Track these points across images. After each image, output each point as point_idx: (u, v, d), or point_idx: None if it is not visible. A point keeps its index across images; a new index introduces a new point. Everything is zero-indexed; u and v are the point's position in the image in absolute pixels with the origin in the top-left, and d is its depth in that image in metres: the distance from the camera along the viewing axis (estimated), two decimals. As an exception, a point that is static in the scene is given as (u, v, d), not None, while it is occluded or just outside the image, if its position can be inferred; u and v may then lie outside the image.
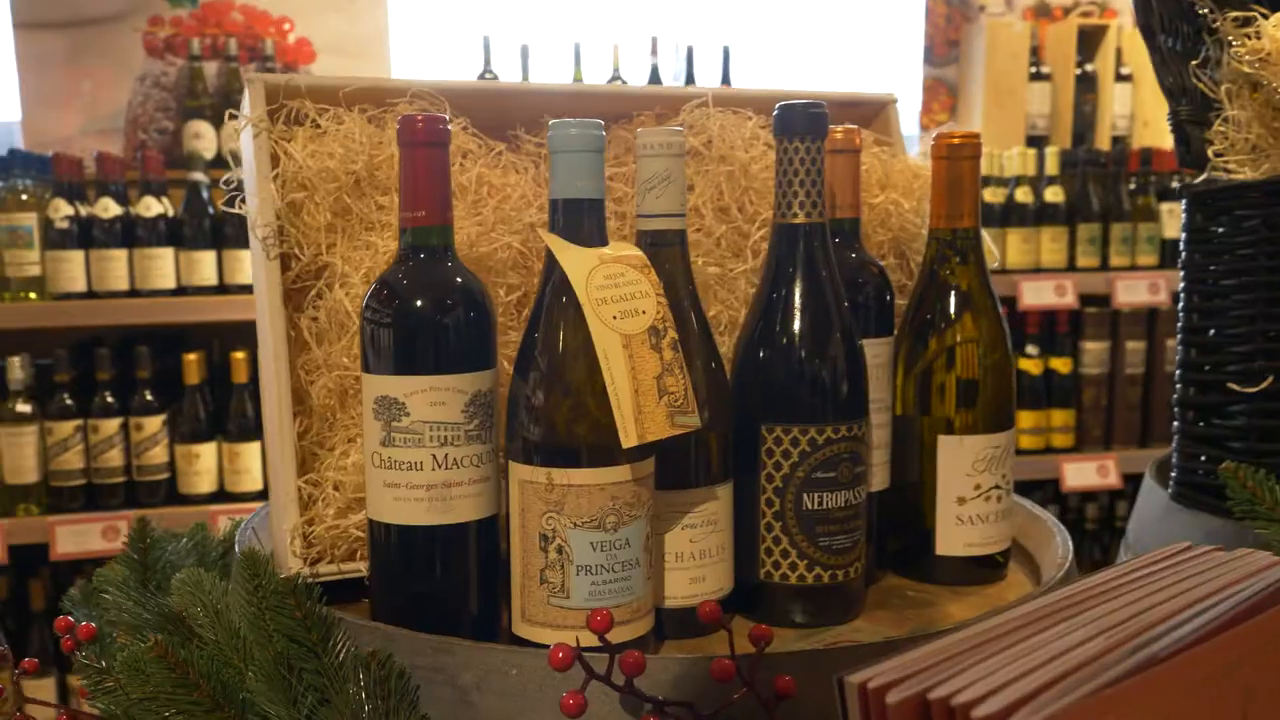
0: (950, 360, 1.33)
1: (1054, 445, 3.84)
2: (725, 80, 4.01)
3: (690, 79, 3.95)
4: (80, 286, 3.25)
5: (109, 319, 3.25)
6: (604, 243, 1.11)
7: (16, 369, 3.21)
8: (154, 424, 3.27)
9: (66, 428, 3.23)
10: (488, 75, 3.78)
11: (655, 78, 3.93)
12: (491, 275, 1.31)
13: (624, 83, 3.83)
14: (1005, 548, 1.36)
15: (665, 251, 1.18)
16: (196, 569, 1.15)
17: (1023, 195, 3.78)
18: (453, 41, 4.11)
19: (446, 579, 1.13)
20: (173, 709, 0.97)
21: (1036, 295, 3.72)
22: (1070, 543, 1.31)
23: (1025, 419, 3.80)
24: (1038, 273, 3.78)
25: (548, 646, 1.00)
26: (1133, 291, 3.82)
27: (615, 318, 1.06)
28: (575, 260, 1.07)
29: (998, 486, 1.33)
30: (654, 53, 3.93)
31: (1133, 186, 3.92)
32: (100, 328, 3.37)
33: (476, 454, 1.11)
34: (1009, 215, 3.78)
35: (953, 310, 1.33)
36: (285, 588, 1.01)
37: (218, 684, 0.99)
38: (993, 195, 3.78)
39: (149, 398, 3.27)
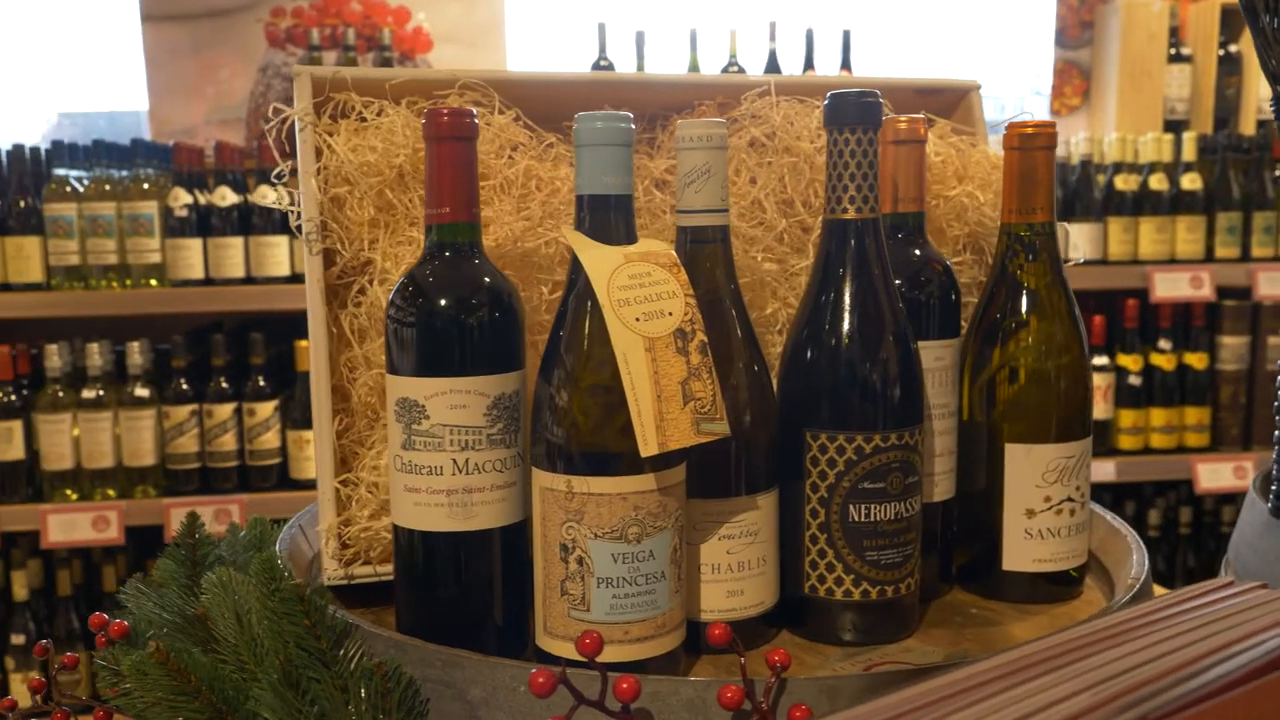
0: (1019, 364, 1.25)
1: (1187, 445, 3.67)
2: (845, 65, 3.91)
3: (810, 64, 3.86)
4: (198, 274, 3.30)
5: (225, 305, 3.30)
6: (632, 240, 1.06)
7: (136, 354, 3.27)
8: (266, 409, 3.31)
9: (182, 412, 3.28)
10: (603, 63, 3.75)
11: (773, 63, 3.85)
12: (537, 272, 1.27)
13: (741, 70, 3.76)
14: (1080, 564, 1.27)
15: (706, 249, 1.13)
16: (228, 569, 1.13)
17: (1157, 183, 3.61)
18: (568, 29, 4.08)
19: (469, 588, 1.09)
20: (175, 716, 0.95)
21: (1171, 287, 3.56)
22: (1146, 561, 1.22)
23: (1157, 416, 3.64)
24: (1172, 264, 3.61)
25: (570, 661, 0.97)
26: (1276, 284, 3.63)
27: (638, 319, 1.00)
28: (598, 259, 1.02)
29: (1070, 499, 1.24)
30: (772, 38, 3.85)
31: (1279, 173, 3.72)
32: (217, 314, 3.42)
33: (500, 459, 1.07)
34: (1142, 203, 3.62)
35: (1024, 310, 1.25)
36: (294, 594, 0.98)
37: (220, 692, 0.96)
38: (1124, 183, 3.62)
39: (262, 383, 3.31)
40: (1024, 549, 1.25)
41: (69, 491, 3.29)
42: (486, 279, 1.08)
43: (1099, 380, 3.57)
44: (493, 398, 1.06)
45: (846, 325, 1.13)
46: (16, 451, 3.26)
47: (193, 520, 1.36)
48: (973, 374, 1.27)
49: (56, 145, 3.38)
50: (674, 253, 1.06)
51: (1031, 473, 1.23)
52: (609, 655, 1.02)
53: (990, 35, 4.29)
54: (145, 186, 3.33)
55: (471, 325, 1.05)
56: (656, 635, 1.04)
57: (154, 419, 3.29)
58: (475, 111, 1.09)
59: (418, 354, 1.05)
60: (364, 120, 1.29)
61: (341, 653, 0.99)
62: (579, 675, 0.87)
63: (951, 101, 1.51)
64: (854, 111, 1.12)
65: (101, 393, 3.26)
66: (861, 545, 1.13)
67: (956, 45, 4.29)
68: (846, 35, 3.92)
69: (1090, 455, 1.27)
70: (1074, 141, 3.67)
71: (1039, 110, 4.30)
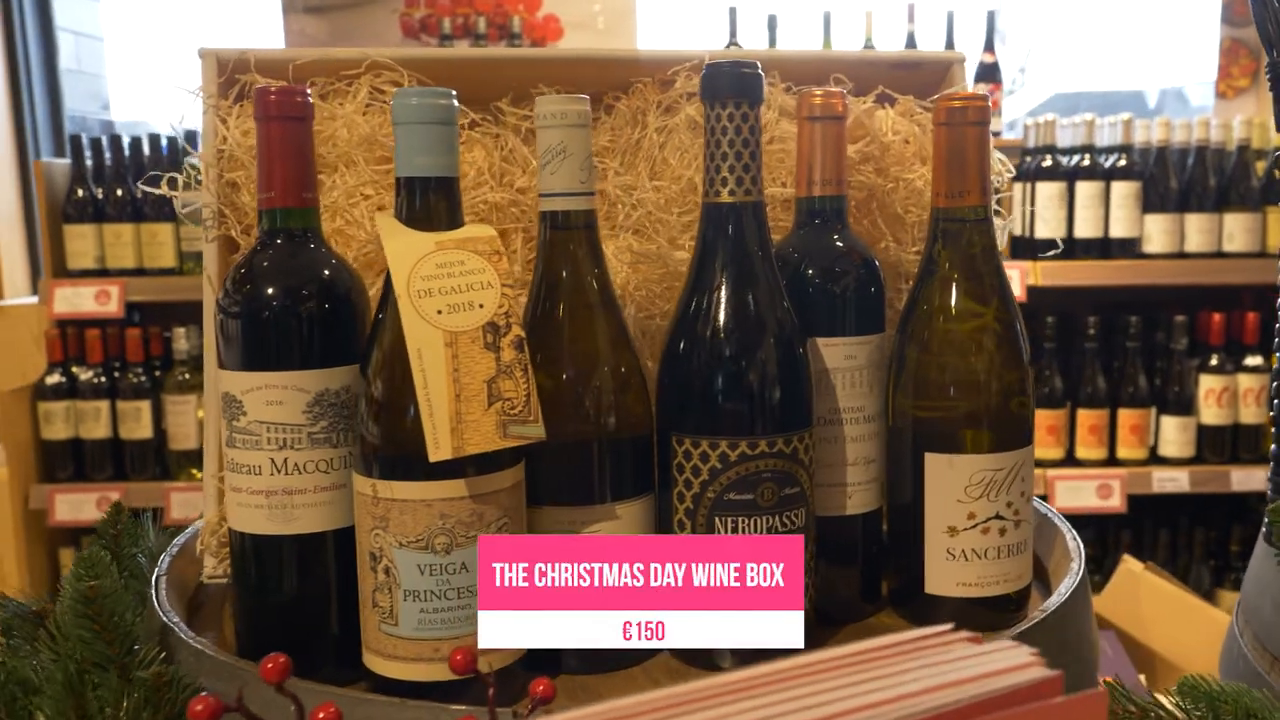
0: (939, 363, 1.12)
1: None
2: (989, 47, 3.72)
3: (950, 47, 3.68)
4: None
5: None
6: (455, 226, 0.98)
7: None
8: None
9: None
10: (733, 46, 3.65)
11: (911, 45, 3.68)
12: (434, 260, 1.20)
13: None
14: (1018, 588, 1.14)
15: (568, 234, 1.04)
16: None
17: (1322, 168, 3.32)
18: (700, 14, 3.99)
19: (295, 596, 1.02)
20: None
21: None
22: (1072, 589, 1.08)
23: (1314, 422, 3.34)
24: (1333, 256, 3.32)
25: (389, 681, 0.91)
26: None
27: (440, 312, 0.93)
28: (402, 247, 0.94)
29: (1000, 516, 1.11)
30: (910, 19, 3.69)
31: None
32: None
33: (325, 459, 1.00)
34: (1302, 192, 3.34)
35: (951, 304, 1.12)
36: (81, 595, 0.94)
37: (3, 700, 0.93)
38: (1284, 170, 3.34)
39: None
40: (946, 571, 1.12)
41: (194, 470, 3.37)
42: (320, 268, 1.02)
43: (1250, 383, 3.30)
44: (314, 394, 0.99)
45: (713, 320, 1.02)
46: (145, 430, 3.36)
47: (116, 511, 1.34)
48: (896, 374, 1.15)
49: (190, 134, 3.45)
50: (497, 239, 0.98)
51: (953, 486, 1.10)
52: (418, 674, 0.95)
53: (1150, 11, 4.02)
54: (271, 175, 3.38)
55: (290, 316, 0.99)
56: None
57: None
58: (308, 90, 1.03)
59: (235, 347, 1.00)
60: (266, 102, 1.24)
61: (138, 659, 0.95)
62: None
63: (934, 76, 1.37)
64: (728, 84, 1.02)
65: (223, 377, 3.32)
66: (730, 562, 1.02)
67: (1113, 23, 4.03)
68: (991, 16, 3.74)
69: (1031, 468, 1.13)
70: (1235, 124, 3.39)
71: (1205, 94, 4.01)
